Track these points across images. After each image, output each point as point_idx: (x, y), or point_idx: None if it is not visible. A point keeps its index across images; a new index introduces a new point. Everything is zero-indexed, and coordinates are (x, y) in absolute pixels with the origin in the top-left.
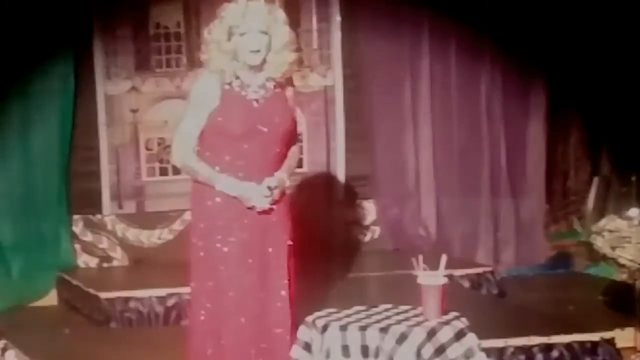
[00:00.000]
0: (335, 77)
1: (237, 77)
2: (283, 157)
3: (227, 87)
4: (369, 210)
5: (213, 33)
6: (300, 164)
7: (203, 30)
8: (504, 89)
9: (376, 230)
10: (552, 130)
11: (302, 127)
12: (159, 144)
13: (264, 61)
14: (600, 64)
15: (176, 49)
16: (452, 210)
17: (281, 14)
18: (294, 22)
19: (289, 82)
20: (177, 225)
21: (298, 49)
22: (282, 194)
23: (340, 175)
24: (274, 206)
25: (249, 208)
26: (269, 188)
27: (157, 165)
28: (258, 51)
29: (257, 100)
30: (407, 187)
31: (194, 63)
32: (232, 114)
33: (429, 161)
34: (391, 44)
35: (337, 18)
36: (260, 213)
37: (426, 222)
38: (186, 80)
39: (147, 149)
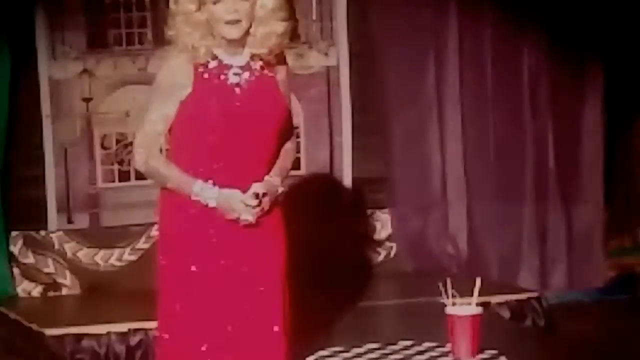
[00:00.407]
0: (340, 56)
1: (215, 57)
2: (274, 156)
3: (201, 69)
4: (383, 222)
5: (180, 3)
6: (296, 165)
7: None
8: (552, 70)
9: (392, 247)
10: (612, 120)
11: (298, 119)
12: (118, 142)
13: (247, 34)
14: None
15: (139, 22)
16: (488, 221)
17: None
18: None
19: (281, 60)
20: (142, 244)
21: (291, 18)
22: (274, 203)
23: (347, 178)
24: (263, 218)
25: (231, 221)
26: (257, 196)
27: (116, 168)
28: (237, 21)
29: (239, 85)
30: (431, 193)
31: (162, 39)
32: (208, 103)
33: (458, 161)
34: (410, 13)
35: None
36: (246, 227)
37: (455, 236)
38: (152, 61)
39: (104, 147)
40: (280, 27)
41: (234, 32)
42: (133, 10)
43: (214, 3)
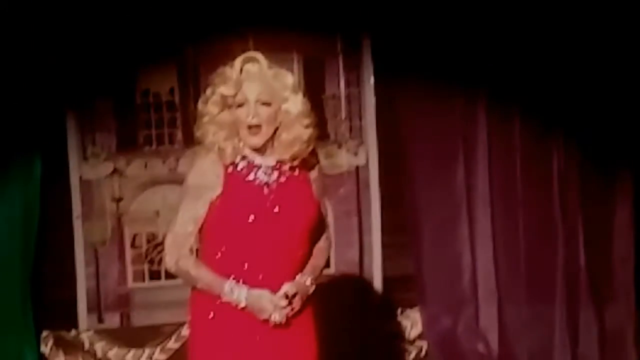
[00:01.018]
0: (369, 155)
1: (244, 157)
2: (305, 256)
3: (230, 169)
4: (414, 320)
5: (206, 104)
6: (326, 264)
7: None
8: (581, 171)
9: (423, 346)
10: None
11: (328, 218)
12: (148, 241)
13: (271, 139)
14: None
15: (169, 122)
16: (519, 320)
17: (290, 79)
18: (317, 86)
19: (310, 161)
20: (172, 343)
21: (316, 123)
22: (305, 303)
23: (377, 277)
24: (294, 319)
25: (262, 322)
26: (287, 296)
27: (146, 267)
28: (258, 127)
29: (268, 185)
30: (461, 292)
31: (192, 139)
32: (238, 203)
33: (489, 259)
34: (439, 113)
35: (371, 81)
36: (276, 328)
37: (486, 335)
38: (182, 161)
39: (134, 247)
40: (305, 133)
41: (255, 141)
42: (163, 110)
43: (238, 106)
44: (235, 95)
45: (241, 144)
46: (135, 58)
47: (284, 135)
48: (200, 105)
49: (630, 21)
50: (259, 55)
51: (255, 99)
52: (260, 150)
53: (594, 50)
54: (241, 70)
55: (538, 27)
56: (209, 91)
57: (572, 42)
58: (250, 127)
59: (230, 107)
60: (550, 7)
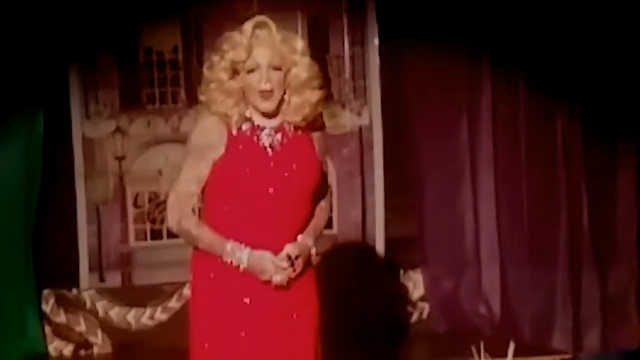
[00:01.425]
0: (373, 115)
1: (248, 119)
2: (307, 216)
3: (234, 130)
4: (416, 282)
5: (212, 70)
6: (329, 225)
7: (206, 57)
8: (585, 132)
9: (425, 308)
10: None
11: (331, 178)
12: (150, 200)
13: (280, 103)
14: None
15: (173, 81)
16: (521, 282)
17: (299, 43)
18: (321, 46)
19: (316, 122)
20: (174, 303)
21: (324, 85)
22: (307, 264)
23: (379, 238)
24: (296, 279)
25: (264, 282)
26: (289, 257)
27: (148, 226)
28: (270, 92)
29: (272, 147)
30: (464, 254)
31: (195, 99)
32: (241, 164)
33: (492, 221)
34: (443, 73)
35: (375, 41)
36: (277, 289)
37: (488, 297)
38: (185, 120)
39: (136, 206)
40: (314, 96)
41: (267, 106)
42: (166, 69)
43: (248, 72)
44: (245, 61)
45: (248, 110)
46: (139, 15)
47: (294, 99)
48: (206, 71)
49: None
50: (268, 20)
51: (267, 64)
52: (269, 113)
53: (598, 14)
54: (251, 34)
55: None
56: (216, 57)
57: (577, 6)
58: (262, 91)
59: (239, 73)
60: None
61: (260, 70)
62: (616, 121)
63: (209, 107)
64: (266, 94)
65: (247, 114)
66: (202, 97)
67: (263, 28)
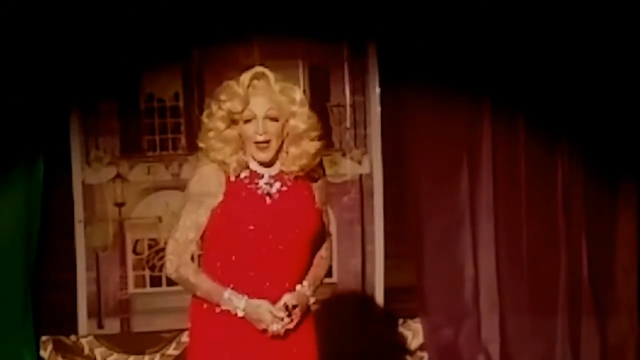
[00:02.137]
0: (374, 164)
1: (247, 166)
2: (306, 265)
3: (233, 177)
4: (415, 331)
5: (211, 118)
6: (329, 273)
7: (207, 103)
8: (586, 181)
9: (424, 357)
10: None
11: (331, 227)
12: (150, 247)
13: (278, 153)
14: None
15: (173, 128)
16: (520, 331)
17: (298, 93)
18: (322, 94)
19: (316, 171)
20: (172, 350)
21: (323, 135)
22: (305, 313)
23: (379, 287)
24: (294, 330)
25: (261, 331)
26: (287, 307)
27: (147, 273)
28: (266, 142)
29: (270, 195)
30: (464, 303)
31: (195, 145)
32: (239, 212)
33: (491, 269)
34: (443, 122)
35: (376, 90)
36: (275, 338)
37: (487, 346)
38: (185, 167)
39: (136, 252)
40: (312, 147)
41: (264, 156)
42: (167, 116)
43: (245, 122)
44: (242, 112)
45: (246, 158)
46: (140, 62)
47: (292, 150)
48: (205, 119)
49: (633, 31)
50: (266, 70)
51: (264, 115)
52: (267, 163)
53: (598, 60)
54: (248, 85)
55: (543, 36)
56: (214, 105)
57: (577, 51)
58: (257, 142)
59: (236, 122)
60: (554, 16)
61: (256, 121)
62: (617, 169)
63: (208, 155)
64: (262, 145)
65: (246, 161)
66: (201, 144)
67: (261, 79)
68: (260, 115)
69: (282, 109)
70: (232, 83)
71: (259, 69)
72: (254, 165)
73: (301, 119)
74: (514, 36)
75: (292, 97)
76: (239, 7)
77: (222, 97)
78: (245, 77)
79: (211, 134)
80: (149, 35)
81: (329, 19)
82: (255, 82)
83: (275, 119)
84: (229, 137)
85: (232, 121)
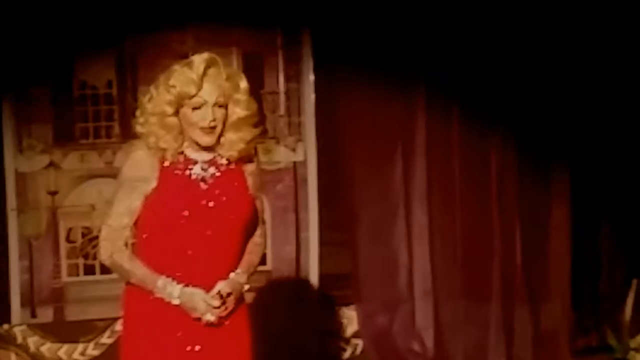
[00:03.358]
0: (308, 151)
1: (181, 152)
2: (240, 252)
3: (166, 163)
4: (350, 318)
5: (155, 102)
6: (263, 261)
7: (141, 91)
8: (519, 168)
9: (358, 344)
10: (579, 220)
11: (265, 214)
12: (83, 235)
13: (217, 139)
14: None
15: (107, 115)
16: (455, 318)
17: (243, 81)
18: (256, 82)
19: (250, 157)
20: (106, 338)
21: (260, 122)
22: (239, 300)
23: (314, 274)
24: (228, 318)
25: (195, 319)
26: (221, 295)
27: (81, 261)
28: (213, 128)
29: (204, 180)
30: (398, 290)
31: (129, 133)
32: (173, 198)
33: (426, 257)
34: (378, 110)
35: (311, 77)
36: (209, 327)
37: (421, 333)
38: (119, 155)
39: (69, 241)
40: (250, 134)
41: (208, 140)
42: (100, 103)
43: (193, 109)
44: (193, 96)
45: (185, 143)
46: (73, 49)
47: (230, 135)
48: (147, 104)
49: (563, 16)
50: (217, 57)
51: (214, 102)
52: (207, 147)
53: (530, 46)
54: (203, 71)
55: (476, 23)
56: (160, 89)
57: (509, 38)
58: (205, 128)
59: (182, 107)
60: (486, 2)
61: (206, 108)
62: (550, 157)
63: (147, 140)
64: (208, 130)
65: (182, 147)
66: (140, 129)
67: (213, 65)
68: (211, 102)
69: (228, 95)
70: (184, 68)
71: (211, 55)
72: (188, 152)
73: (243, 105)
74: (448, 23)
75: (238, 84)
76: None
77: (172, 82)
78: (200, 63)
79: (154, 119)
80: (82, 21)
81: (263, 6)
82: (208, 69)
83: (222, 106)
84: (171, 124)
85: (180, 106)
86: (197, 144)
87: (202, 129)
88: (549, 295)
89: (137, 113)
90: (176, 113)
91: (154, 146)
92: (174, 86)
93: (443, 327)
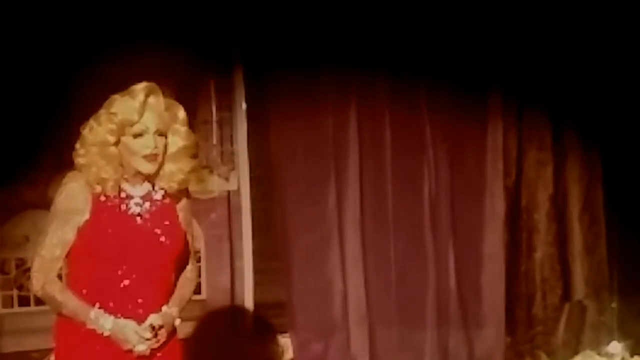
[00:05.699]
0: (241, 180)
1: (118, 185)
2: (172, 285)
3: (102, 197)
4: (285, 346)
5: (96, 132)
6: (197, 289)
7: (75, 121)
8: (453, 194)
9: None
10: (513, 244)
11: (199, 243)
12: (17, 267)
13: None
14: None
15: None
16: (390, 345)
17: (181, 111)
18: (189, 111)
19: (182, 191)
20: None
21: (197, 154)
22: (172, 333)
23: (248, 303)
24: (160, 349)
25: (126, 351)
26: (152, 328)
27: (15, 293)
28: (155, 156)
29: (140, 215)
30: (333, 317)
31: (61, 164)
32: (106, 231)
33: (360, 284)
34: (310, 137)
35: (243, 106)
36: (140, 358)
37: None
38: (52, 186)
39: (3, 272)
40: (188, 164)
41: (150, 167)
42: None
43: (135, 137)
44: (134, 124)
45: (124, 177)
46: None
47: (169, 166)
48: (88, 134)
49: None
50: (156, 86)
51: (154, 130)
52: (145, 177)
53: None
54: (144, 99)
55: (406, 48)
56: (102, 118)
57: (440, 60)
58: (147, 155)
59: (123, 135)
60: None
61: (148, 136)
62: (482, 184)
63: (88, 171)
64: (151, 157)
65: (121, 180)
66: (81, 161)
67: (153, 94)
68: (152, 129)
69: (166, 124)
70: (125, 97)
71: (151, 84)
72: (125, 186)
73: (183, 136)
74: (377, 48)
75: (177, 114)
76: (102, 21)
77: (114, 110)
78: (140, 91)
79: (95, 149)
80: (28, 50)
81: (194, 36)
82: (149, 97)
83: (163, 134)
84: (112, 154)
85: (121, 135)
86: (139, 173)
87: (144, 156)
88: (483, 320)
89: (77, 145)
90: (116, 144)
91: (94, 177)
92: (115, 114)
93: (378, 353)
